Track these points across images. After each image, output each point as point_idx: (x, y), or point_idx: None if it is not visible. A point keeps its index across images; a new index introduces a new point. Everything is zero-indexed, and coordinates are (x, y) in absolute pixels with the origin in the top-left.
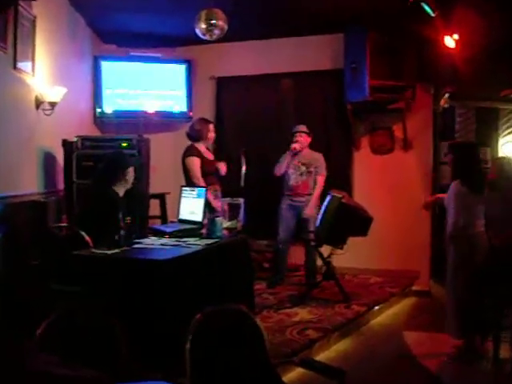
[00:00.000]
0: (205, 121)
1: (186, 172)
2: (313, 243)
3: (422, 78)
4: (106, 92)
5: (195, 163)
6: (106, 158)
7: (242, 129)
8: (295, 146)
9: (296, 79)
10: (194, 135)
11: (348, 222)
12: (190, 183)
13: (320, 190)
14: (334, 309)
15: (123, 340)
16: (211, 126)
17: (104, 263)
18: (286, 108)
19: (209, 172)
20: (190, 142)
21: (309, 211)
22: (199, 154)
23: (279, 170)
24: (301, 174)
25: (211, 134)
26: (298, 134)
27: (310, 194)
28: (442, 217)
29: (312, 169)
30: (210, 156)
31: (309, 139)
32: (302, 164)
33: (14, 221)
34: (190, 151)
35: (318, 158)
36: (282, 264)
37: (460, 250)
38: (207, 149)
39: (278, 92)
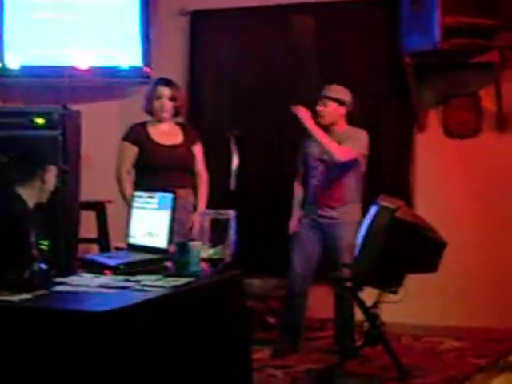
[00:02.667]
0: (156, 83)
1: None
2: (348, 284)
3: None
4: (10, 35)
5: (125, 152)
6: (11, 145)
7: (231, 97)
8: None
9: (319, 15)
10: (143, 105)
11: (406, 248)
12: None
13: (347, 153)
14: None
15: None
16: (159, 90)
17: (6, 316)
18: (302, 63)
19: (157, 165)
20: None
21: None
22: (139, 137)
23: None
24: (328, 169)
25: (159, 103)
26: (320, 102)
27: (345, 204)
28: None
29: None
30: (171, 139)
31: (341, 110)
32: None
33: None
34: (127, 132)
35: (357, 132)
36: (296, 318)
37: None
38: (177, 126)
39: (290, 36)
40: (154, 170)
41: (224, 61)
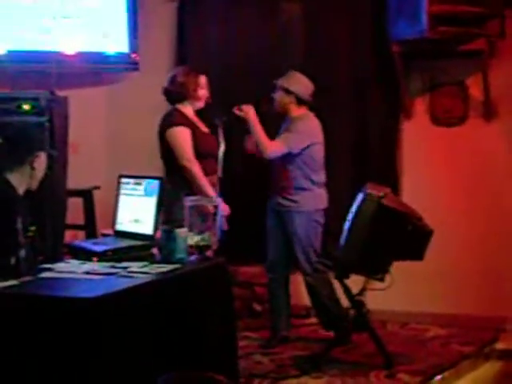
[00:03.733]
0: (194, 71)
1: (168, 152)
2: (334, 271)
3: None
4: None
5: (184, 136)
6: (3, 136)
7: (220, 82)
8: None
9: (307, 1)
10: (176, 92)
11: (392, 235)
12: (174, 171)
13: (277, 149)
14: (368, 379)
15: None
16: (203, 79)
17: None
18: (291, 49)
19: (206, 153)
20: (169, 106)
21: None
22: (189, 123)
23: (249, 143)
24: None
25: (203, 92)
26: (275, 91)
27: (297, 189)
28: None
29: None
30: (203, 127)
31: (288, 98)
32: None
33: None
34: (173, 118)
35: (295, 128)
36: (277, 305)
37: None
38: (196, 115)
39: (279, 22)
40: (205, 158)
41: (212, 48)
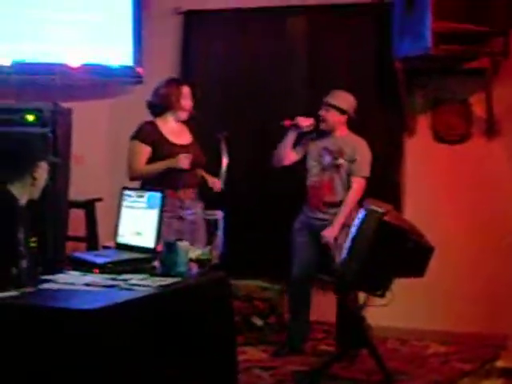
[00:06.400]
0: (176, 82)
1: None
2: (335, 287)
3: None
4: (1, 32)
5: (139, 152)
6: (1, 142)
7: (223, 97)
8: (301, 120)
9: (312, 18)
10: (158, 104)
11: (393, 252)
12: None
13: (355, 199)
14: None
15: None
16: (186, 90)
17: None
18: (294, 65)
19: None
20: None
21: (329, 232)
22: (152, 137)
23: (280, 154)
24: (323, 169)
25: (186, 102)
26: (323, 107)
27: (336, 205)
28: None
29: (342, 161)
30: (182, 138)
31: (342, 118)
32: (328, 152)
33: None
34: (136, 131)
35: (357, 146)
36: (300, 316)
37: None
38: (183, 124)
39: (283, 39)
40: (168, 172)
41: (216, 62)
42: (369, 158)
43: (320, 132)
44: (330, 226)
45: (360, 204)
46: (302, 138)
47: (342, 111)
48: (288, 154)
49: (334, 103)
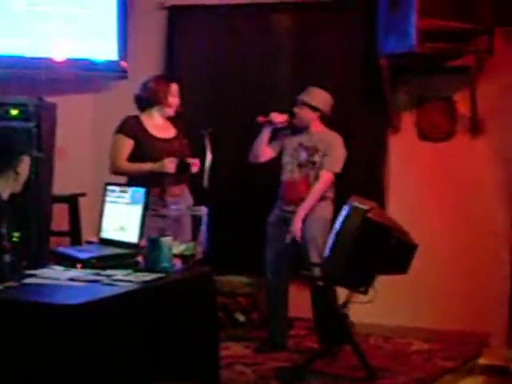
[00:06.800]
0: (165, 79)
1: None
2: (319, 283)
3: (504, 20)
4: None
5: (118, 145)
6: None
7: (207, 94)
8: (274, 116)
9: (297, 14)
10: (145, 98)
11: (377, 249)
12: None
13: (320, 191)
14: None
15: None
16: (174, 87)
17: None
18: (279, 62)
19: (156, 158)
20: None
21: (295, 224)
22: (134, 130)
23: (256, 150)
24: (300, 165)
25: (173, 99)
26: (297, 105)
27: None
28: None
29: (317, 158)
30: (165, 132)
31: (314, 115)
32: (303, 148)
33: None
34: (120, 125)
35: (332, 142)
36: (277, 312)
37: None
38: (168, 121)
39: (269, 35)
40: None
41: (201, 58)
42: (342, 154)
43: (295, 128)
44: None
45: (345, 201)
46: (277, 134)
47: (315, 108)
48: (264, 151)
49: (307, 101)
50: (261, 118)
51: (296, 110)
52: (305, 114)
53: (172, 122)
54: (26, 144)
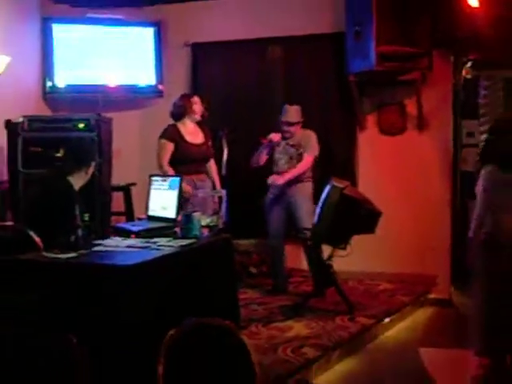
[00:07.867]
0: (187, 96)
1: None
2: (309, 243)
3: (440, 44)
4: (58, 62)
5: (163, 147)
6: (60, 144)
7: (223, 105)
8: (273, 136)
9: (287, 46)
10: (177, 112)
11: (351, 216)
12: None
13: (303, 168)
14: (335, 322)
15: (82, 364)
16: (195, 98)
17: (57, 270)
18: (274, 81)
19: (187, 158)
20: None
21: (277, 178)
22: (174, 136)
23: (257, 159)
24: (291, 158)
25: (197, 107)
26: (284, 126)
27: (301, 181)
28: (466, 211)
29: (302, 150)
30: (196, 137)
31: (297, 125)
32: (290, 146)
33: None
34: (163, 132)
35: (309, 136)
36: (277, 266)
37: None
38: (197, 126)
39: (266, 61)
40: (185, 162)
41: (217, 80)
42: (316, 143)
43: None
44: (281, 177)
45: (327, 181)
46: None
47: (299, 122)
48: (263, 159)
49: (290, 121)
50: (264, 140)
51: (285, 129)
52: (291, 129)
53: (200, 127)
54: (93, 153)
